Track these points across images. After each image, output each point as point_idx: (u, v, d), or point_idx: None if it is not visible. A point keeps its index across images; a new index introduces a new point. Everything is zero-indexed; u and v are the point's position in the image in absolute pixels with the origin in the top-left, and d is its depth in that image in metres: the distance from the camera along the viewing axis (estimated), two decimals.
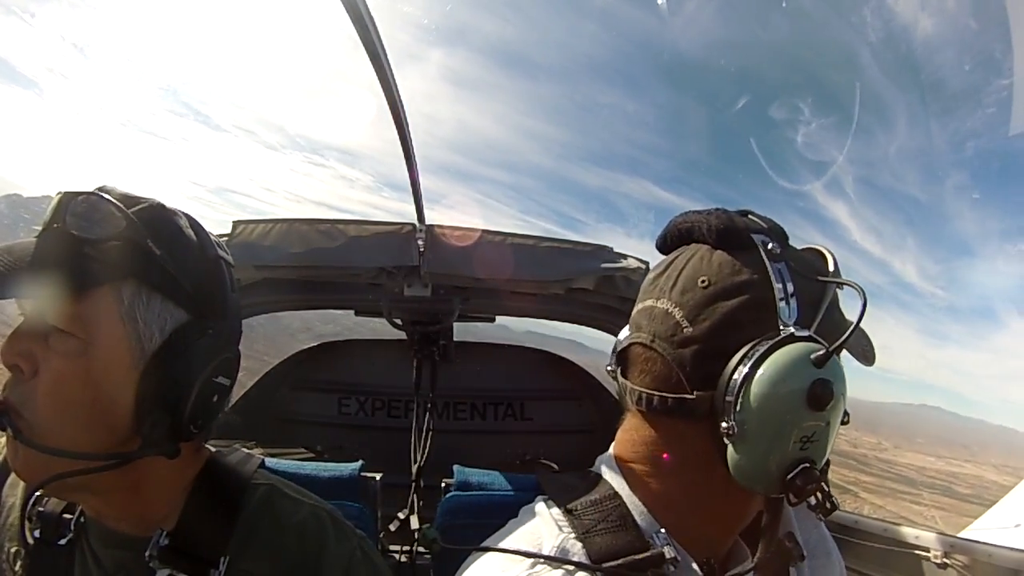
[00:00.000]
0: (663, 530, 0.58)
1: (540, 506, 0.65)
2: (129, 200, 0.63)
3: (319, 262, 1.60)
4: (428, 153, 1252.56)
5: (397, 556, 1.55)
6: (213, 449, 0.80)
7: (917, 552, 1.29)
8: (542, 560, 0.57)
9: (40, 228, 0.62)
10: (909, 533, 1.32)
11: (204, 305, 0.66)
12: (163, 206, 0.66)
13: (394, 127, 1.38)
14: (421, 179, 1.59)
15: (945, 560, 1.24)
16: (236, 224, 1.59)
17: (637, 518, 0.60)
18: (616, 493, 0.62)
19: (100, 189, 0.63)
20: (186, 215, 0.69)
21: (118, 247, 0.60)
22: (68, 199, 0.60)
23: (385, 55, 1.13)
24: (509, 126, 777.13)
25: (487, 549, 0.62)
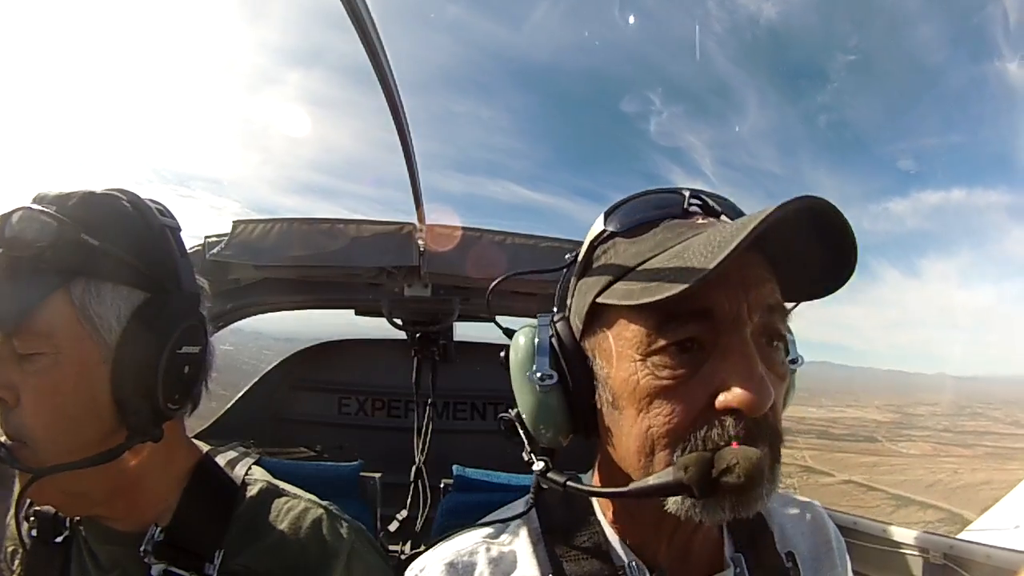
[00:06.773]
0: (635, 562, 0.57)
1: (525, 518, 0.64)
2: (60, 199, 0.62)
3: (319, 262, 1.60)
4: (292, 174, 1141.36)
5: (397, 556, 1.55)
6: (207, 447, 0.80)
7: (916, 553, 1.29)
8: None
9: None
10: (908, 534, 1.32)
11: (156, 278, 0.65)
12: (93, 192, 0.65)
13: (394, 128, 1.38)
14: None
15: (944, 561, 1.23)
16: (236, 224, 1.59)
17: (614, 544, 0.59)
18: (596, 519, 0.61)
19: (34, 199, 0.62)
20: (123, 190, 0.67)
21: (54, 252, 0.59)
22: (2, 222, 0.59)
23: (386, 56, 1.13)
24: (368, 141, 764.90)
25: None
